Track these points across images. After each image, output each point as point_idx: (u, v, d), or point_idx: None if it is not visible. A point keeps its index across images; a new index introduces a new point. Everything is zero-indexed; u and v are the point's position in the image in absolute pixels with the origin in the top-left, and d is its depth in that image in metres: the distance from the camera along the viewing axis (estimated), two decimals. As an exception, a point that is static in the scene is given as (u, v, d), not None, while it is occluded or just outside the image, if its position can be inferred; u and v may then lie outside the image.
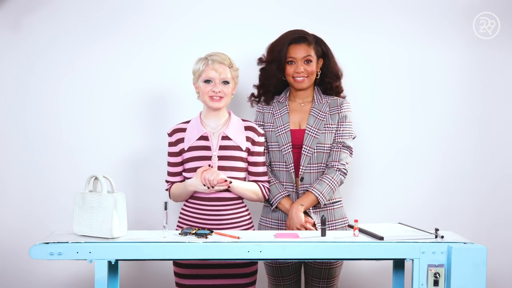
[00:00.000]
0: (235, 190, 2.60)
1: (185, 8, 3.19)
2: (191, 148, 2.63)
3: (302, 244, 2.21)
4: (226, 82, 2.62)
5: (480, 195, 3.25)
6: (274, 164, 2.79)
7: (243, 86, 3.00)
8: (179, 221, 2.68)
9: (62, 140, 3.19)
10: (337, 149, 2.75)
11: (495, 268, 3.19)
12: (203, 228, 2.41)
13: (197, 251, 2.19)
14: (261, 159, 2.70)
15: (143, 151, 3.20)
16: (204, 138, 2.63)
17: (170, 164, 2.70)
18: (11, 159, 3.19)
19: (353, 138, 2.81)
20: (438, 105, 3.23)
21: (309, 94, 2.84)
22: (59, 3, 3.16)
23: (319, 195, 2.68)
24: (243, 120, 2.72)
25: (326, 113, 2.77)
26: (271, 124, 2.80)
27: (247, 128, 2.68)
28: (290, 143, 2.75)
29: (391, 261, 2.48)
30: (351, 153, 2.78)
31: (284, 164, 2.76)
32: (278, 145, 2.77)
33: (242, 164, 2.64)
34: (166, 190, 2.73)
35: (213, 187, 2.54)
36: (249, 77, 2.95)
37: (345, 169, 2.75)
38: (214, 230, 2.38)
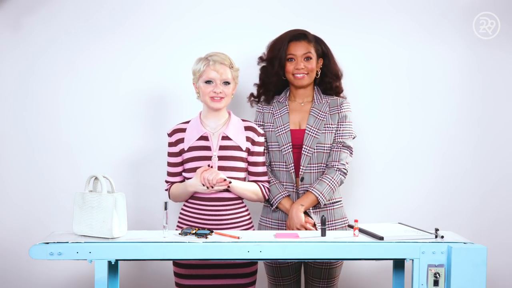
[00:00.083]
0: (235, 190, 2.60)
1: (185, 8, 3.19)
2: (191, 148, 2.63)
3: (302, 244, 2.21)
4: (226, 83, 2.62)
5: (480, 195, 3.25)
6: (274, 164, 2.79)
7: (243, 86, 3.00)
8: (179, 221, 2.68)
9: (62, 140, 3.19)
10: (337, 149, 2.75)
11: (495, 268, 3.18)
12: (203, 228, 2.41)
13: (197, 251, 2.19)
14: (261, 159, 2.70)
15: (143, 151, 3.20)
16: (204, 138, 2.63)
17: (169, 164, 2.70)
18: (11, 159, 3.19)
19: (353, 138, 2.81)
20: (438, 105, 3.23)
21: (309, 94, 2.84)
22: (59, 3, 3.16)
23: (319, 195, 2.68)
24: (243, 120, 2.72)
25: (326, 113, 2.78)
26: (271, 124, 2.80)
27: (247, 128, 2.68)
28: (290, 143, 2.75)
29: (391, 261, 2.48)
30: (351, 153, 2.78)
31: (284, 164, 2.76)
32: (278, 145, 2.77)
33: (242, 164, 2.64)
34: (166, 190, 2.73)
35: (212, 187, 2.53)
36: (249, 77, 2.95)
37: (345, 169, 2.75)
38: (214, 230, 2.38)
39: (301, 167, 2.74)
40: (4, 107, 3.18)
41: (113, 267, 2.32)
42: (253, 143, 2.67)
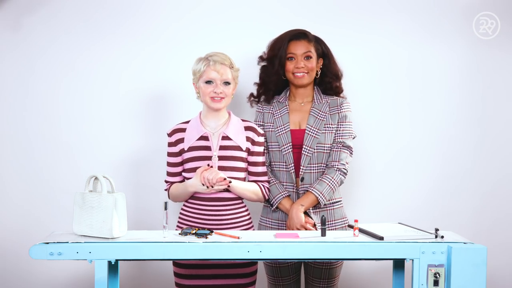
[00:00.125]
0: (235, 190, 2.60)
1: (185, 8, 3.19)
2: (191, 148, 2.63)
3: (302, 244, 2.21)
4: (227, 83, 2.62)
5: (480, 195, 3.25)
6: (274, 164, 2.79)
7: (243, 86, 3.00)
8: (179, 221, 2.68)
9: (62, 140, 3.19)
10: (337, 149, 2.75)
11: (495, 268, 3.18)
12: (203, 228, 2.41)
13: (197, 251, 2.19)
14: (261, 159, 2.70)
15: (143, 151, 3.20)
16: (204, 138, 2.63)
17: (169, 164, 2.70)
18: (11, 159, 3.19)
19: (353, 138, 2.81)
20: (438, 105, 3.23)
21: (309, 94, 2.84)
22: (59, 3, 3.16)
23: (319, 195, 2.68)
24: (243, 120, 2.72)
25: (326, 113, 2.78)
26: (271, 124, 2.80)
27: (247, 128, 2.68)
28: (290, 143, 2.75)
29: (391, 261, 2.48)
30: (351, 153, 2.78)
31: (284, 164, 2.76)
32: (278, 145, 2.77)
33: (242, 164, 2.64)
34: (165, 190, 2.73)
35: (212, 187, 2.53)
36: (249, 77, 2.95)
37: (345, 169, 2.75)
38: (214, 230, 2.38)
39: (301, 167, 2.74)
40: (4, 107, 3.18)
41: (113, 267, 2.32)
42: (253, 143, 2.67)
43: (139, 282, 3.24)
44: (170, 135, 2.69)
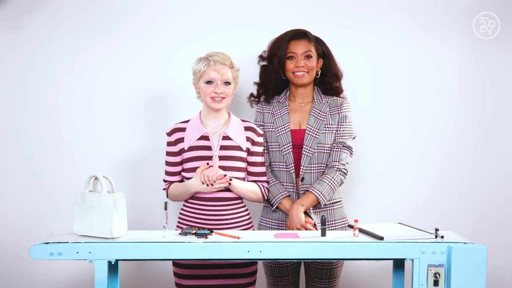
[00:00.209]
0: (235, 190, 2.60)
1: (185, 8, 3.19)
2: (191, 148, 2.63)
3: (302, 244, 2.21)
4: (227, 83, 2.62)
5: (480, 195, 3.25)
6: (274, 164, 2.79)
7: (243, 86, 3.00)
8: (178, 221, 2.68)
9: (62, 140, 3.19)
10: (337, 149, 2.75)
11: (495, 268, 3.18)
12: (203, 228, 2.40)
13: (197, 251, 2.19)
14: (261, 159, 2.70)
15: (143, 151, 3.20)
16: (204, 138, 2.63)
17: (168, 163, 2.69)
18: (11, 159, 3.19)
19: (353, 138, 2.81)
20: (438, 105, 3.23)
21: (309, 94, 2.84)
22: (59, 3, 3.16)
23: (319, 195, 2.68)
24: (242, 121, 2.72)
25: (326, 113, 2.78)
26: (271, 124, 2.80)
27: (246, 129, 2.68)
28: (291, 143, 2.75)
29: (391, 261, 2.48)
30: (351, 153, 2.78)
31: (285, 164, 2.76)
32: (278, 145, 2.77)
33: (242, 164, 2.64)
34: (164, 189, 2.73)
35: (212, 185, 2.52)
36: (249, 77, 2.95)
37: (345, 169, 2.75)
38: (214, 230, 2.38)
39: (301, 167, 2.74)
40: (4, 107, 3.18)
41: (113, 267, 2.32)
42: (253, 143, 2.67)
43: (139, 282, 3.24)
44: (169, 134, 2.69)
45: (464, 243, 2.21)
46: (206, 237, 2.26)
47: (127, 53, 3.18)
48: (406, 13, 3.20)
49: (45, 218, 3.18)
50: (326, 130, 2.76)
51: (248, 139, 2.67)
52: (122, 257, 2.19)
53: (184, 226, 2.61)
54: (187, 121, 2.70)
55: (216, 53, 2.63)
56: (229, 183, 2.55)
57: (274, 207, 2.75)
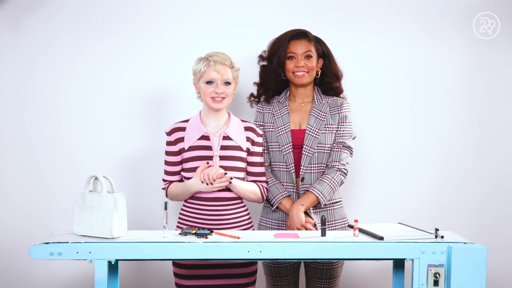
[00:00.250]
0: (236, 189, 2.60)
1: (185, 8, 3.19)
2: (192, 148, 2.62)
3: (302, 244, 2.21)
4: (227, 83, 2.61)
5: (480, 195, 3.25)
6: (275, 164, 2.79)
7: (243, 86, 3.00)
8: (178, 221, 2.67)
9: (62, 140, 3.19)
10: (337, 149, 2.75)
11: (495, 268, 3.19)
12: (203, 228, 2.40)
13: (197, 251, 2.19)
14: (260, 159, 2.71)
15: (143, 151, 3.20)
16: (205, 138, 2.63)
17: (168, 163, 2.69)
18: (11, 159, 3.19)
19: (353, 138, 2.81)
20: (438, 105, 3.23)
21: (309, 94, 2.84)
22: (59, 3, 3.16)
23: (320, 195, 2.68)
24: (242, 121, 2.72)
25: (326, 113, 2.78)
26: (271, 124, 2.80)
27: (246, 129, 2.69)
28: (291, 143, 2.75)
29: (391, 261, 2.48)
30: (351, 153, 2.78)
31: (285, 164, 2.76)
32: (279, 145, 2.77)
33: (242, 164, 2.65)
34: (163, 189, 2.72)
35: (212, 184, 2.52)
36: (249, 77, 2.95)
37: (345, 169, 2.75)
38: (214, 230, 2.38)
39: (302, 167, 2.74)
40: (4, 107, 3.18)
41: (113, 267, 2.32)
42: (253, 143, 2.68)
43: (139, 282, 3.24)
44: (169, 133, 2.68)
45: (464, 243, 2.21)
46: (206, 237, 2.26)
47: (127, 53, 3.18)
48: (406, 13, 3.20)
49: (45, 218, 3.18)
50: (326, 130, 2.76)
51: (248, 139, 2.67)
52: (122, 257, 2.19)
53: (184, 226, 2.61)
54: (186, 121, 2.70)
55: (216, 53, 2.63)
56: (230, 182, 2.55)
57: (274, 207, 2.75)
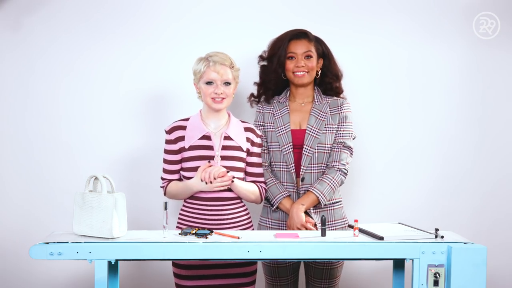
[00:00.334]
0: (237, 189, 2.60)
1: (185, 8, 3.19)
2: (192, 147, 2.62)
3: (302, 244, 2.21)
4: (227, 83, 2.61)
5: (480, 195, 3.25)
6: (275, 164, 2.79)
7: (243, 86, 3.00)
8: (178, 221, 2.67)
9: (62, 140, 3.19)
10: (337, 149, 2.75)
11: (495, 268, 3.19)
12: (203, 228, 2.40)
13: (197, 251, 2.19)
14: (259, 160, 2.71)
15: (143, 151, 3.20)
16: (206, 137, 2.63)
17: (167, 161, 2.68)
18: (11, 159, 3.19)
19: (353, 138, 2.81)
20: (438, 105, 3.23)
21: (310, 94, 2.84)
22: (59, 3, 3.16)
23: (320, 195, 2.68)
24: (241, 121, 2.72)
25: (326, 113, 2.78)
26: (272, 124, 2.81)
27: (246, 129, 2.69)
28: (291, 143, 2.75)
29: (391, 261, 2.48)
30: (351, 153, 2.78)
31: (285, 164, 2.76)
32: (279, 145, 2.77)
33: (242, 165, 2.64)
34: (161, 187, 2.72)
35: (211, 182, 2.51)
36: (249, 77, 2.95)
37: (345, 169, 2.75)
38: (214, 230, 2.38)
39: (302, 167, 2.74)
40: (4, 107, 3.18)
41: (113, 267, 2.32)
42: (252, 144, 2.68)
43: (139, 282, 3.24)
44: (169, 132, 2.67)
45: (464, 243, 2.21)
46: (206, 237, 2.26)
47: (127, 53, 3.18)
48: (406, 13, 3.20)
49: (45, 218, 3.18)
50: (326, 130, 2.76)
51: (248, 139, 2.67)
52: (122, 257, 2.19)
53: (184, 226, 2.61)
54: (187, 119, 2.69)
55: (216, 53, 2.63)
56: (232, 181, 2.55)
57: (274, 207, 2.75)
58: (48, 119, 3.18)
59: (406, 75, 3.23)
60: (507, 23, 3.19)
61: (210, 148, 2.61)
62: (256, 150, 2.69)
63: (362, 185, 3.23)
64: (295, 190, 2.75)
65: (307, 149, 2.73)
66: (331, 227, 2.75)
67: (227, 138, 2.63)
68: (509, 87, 3.24)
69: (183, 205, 2.68)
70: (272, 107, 2.84)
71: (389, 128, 3.23)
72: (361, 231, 2.37)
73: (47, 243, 2.18)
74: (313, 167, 2.74)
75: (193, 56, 2.70)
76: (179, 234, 2.33)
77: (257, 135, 2.70)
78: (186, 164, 2.63)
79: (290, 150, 2.75)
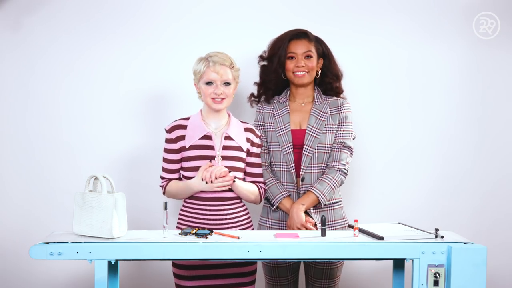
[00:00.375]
0: (238, 189, 2.60)
1: (185, 8, 3.19)
2: (193, 147, 2.62)
3: (302, 244, 2.21)
4: (227, 83, 2.61)
5: (480, 195, 3.25)
6: (275, 164, 2.79)
7: (243, 86, 3.00)
8: (178, 221, 2.67)
9: (62, 140, 3.19)
10: (337, 149, 2.75)
11: (495, 268, 3.19)
12: (203, 228, 2.40)
13: (197, 251, 2.19)
14: (258, 160, 2.71)
15: (143, 151, 3.20)
16: (207, 137, 2.62)
17: (167, 161, 2.67)
18: (11, 159, 3.19)
19: (354, 138, 2.81)
20: (438, 105, 3.23)
21: (310, 94, 2.84)
22: (59, 3, 3.16)
23: (320, 194, 2.68)
24: (241, 122, 2.72)
25: (326, 113, 2.78)
26: (272, 124, 2.81)
27: (246, 130, 2.69)
28: (291, 143, 2.75)
29: (391, 261, 2.48)
30: (351, 153, 2.78)
31: (285, 164, 2.76)
32: (279, 145, 2.77)
33: (242, 165, 2.65)
34: (161, 186, 2.71)
35: (212, 182, 2.51)
36: (249, 77, 2.95)
37: (345, 169, 2.75)
38: (214, 230, 2.38)
39: (302, 167, 2.74)
40: (4, 107, 3.18)
41: (113, 267, 2.32)
42: (252, 144, 2.68)
43: (139, 282, 3.24)
44: (169, 131, 2.66)
45: (464, 243, 2.21)
46: (206, 237, 2.26)
47: (127, 53, 3.18)
48: (406, 13, 3.20)
49: (45, 218, 3.18)
50: (326, 130, 2.76)
51: (248, 140, 2.67)
52: (122, 257, 2.19)
53: (184, 226, 2.61)
54: (187, 119, 2.68)
55: (216, 53, 2.63)
56: (234, 181, 2.55)
57: (274, 207, 2.75)
58: (48, 119, 3.18)
59: (406, 75, 3.23)
60: (507, 23, 3.19)
61: (211, 148, 2.61)
62: (256, 150, 2.69)
63: (362, 185, 3.23)
64: (295, 190, 2.75)
65: (307, 149, 2.73)
66: (331, 227, 2.75)
67: (228, 138, 2.63)
68: (509, 87, 3.24)
69: (183, 205, 2.68)
70: (272, 107, 2.84)
71: (389, 128, 3.23)
72: (361, 231, 2.37)
73: (47, 243, 2.18)
74: (313, 167, 2.74)
75: (193, 56, 2.70)
76: (179, 234, 2.33)
77: (257, 136, 2.70)
78: (186, 164, 2.63)
79: (290, 150, 2.75)
